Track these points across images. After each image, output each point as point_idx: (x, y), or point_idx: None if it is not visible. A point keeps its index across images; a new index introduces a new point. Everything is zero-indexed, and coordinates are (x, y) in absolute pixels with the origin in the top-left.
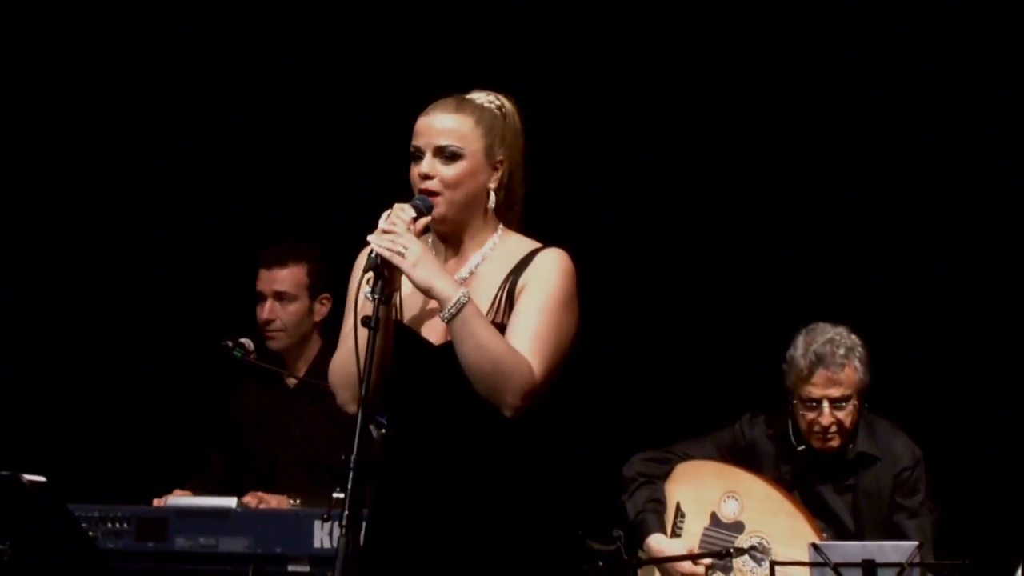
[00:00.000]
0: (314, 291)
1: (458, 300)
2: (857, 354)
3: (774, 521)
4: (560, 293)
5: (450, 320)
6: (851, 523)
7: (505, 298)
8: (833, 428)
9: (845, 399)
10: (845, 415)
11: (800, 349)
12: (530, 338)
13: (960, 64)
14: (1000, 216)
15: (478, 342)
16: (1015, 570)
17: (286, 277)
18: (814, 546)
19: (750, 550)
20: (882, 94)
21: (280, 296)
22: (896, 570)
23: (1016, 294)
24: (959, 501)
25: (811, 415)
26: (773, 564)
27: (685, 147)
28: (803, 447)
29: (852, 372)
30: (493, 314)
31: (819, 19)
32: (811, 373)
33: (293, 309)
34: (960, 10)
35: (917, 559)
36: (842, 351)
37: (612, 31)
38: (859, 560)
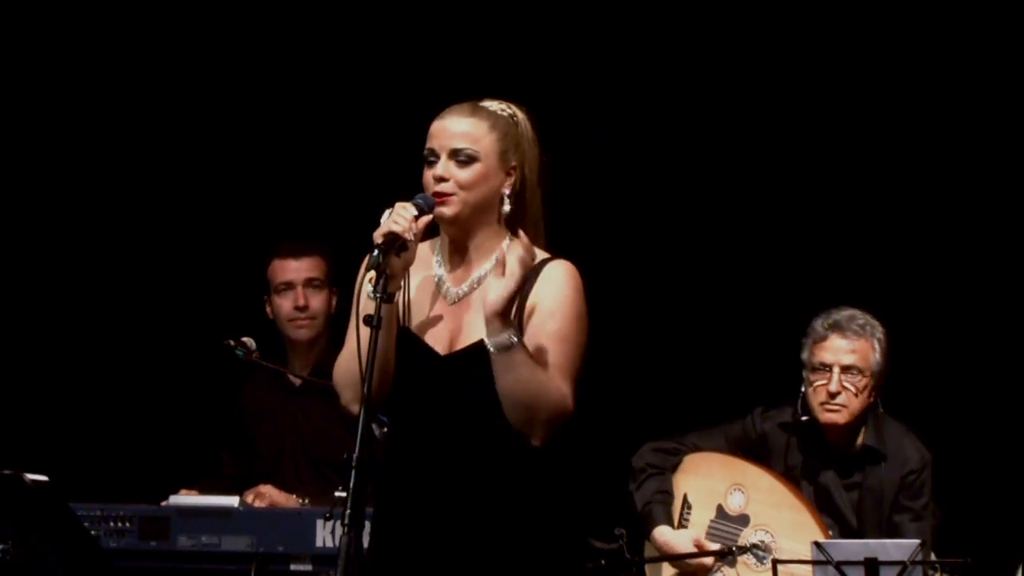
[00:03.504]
0: (331, 282)
1: (506, 340)
2: (876, 334)
3: (779, 514)
4: (575, 315)
5: (496, 354)
6: (854, 520)
7: (514, 313)
8: (841, 398)
9: (857, 370)
10: (855, 390)
11: (820, 319)
12: (559, 368)
13: (960, 64)
14: (1000, 216)
15: (519, 376)
16: (1015, 570)
17: (314, 265)
18: (816, 544)
19: (752, 548)
20: (882, 94)
21: (310, 282)
22: (898, 569)
23: (1017, 294)
24: (960, 501)
25: (821, 381)
26: (775, 563)
27: (685, 147)
28: (806, 417)
29: (867, 346)
30: None
31: (819, 19)
32: (825, 337)
33: (322, 297)
34: (959, 10)
35: (919, 557)
36: (861, 322)
37: (612, 31)
38: (861, 558)
